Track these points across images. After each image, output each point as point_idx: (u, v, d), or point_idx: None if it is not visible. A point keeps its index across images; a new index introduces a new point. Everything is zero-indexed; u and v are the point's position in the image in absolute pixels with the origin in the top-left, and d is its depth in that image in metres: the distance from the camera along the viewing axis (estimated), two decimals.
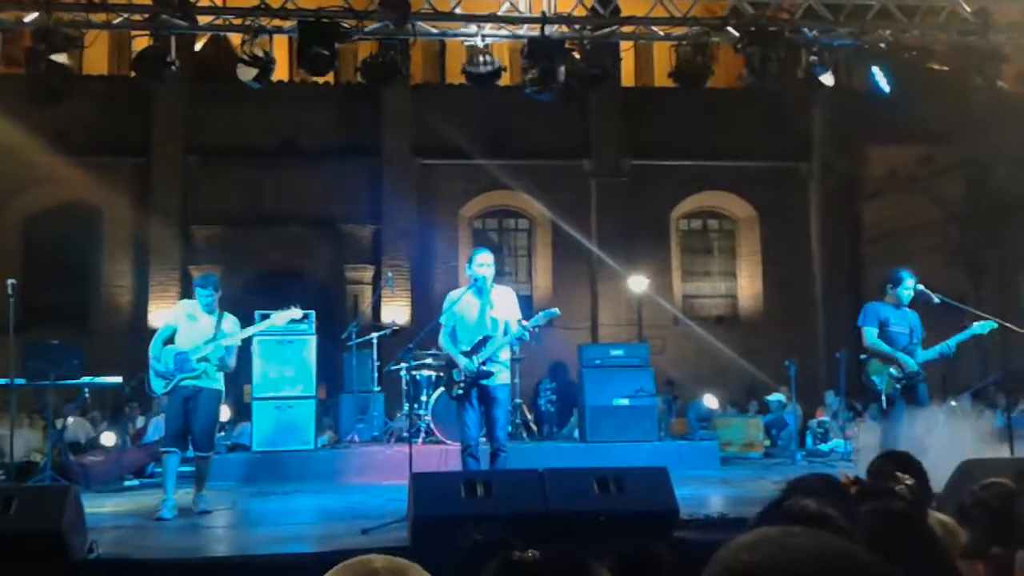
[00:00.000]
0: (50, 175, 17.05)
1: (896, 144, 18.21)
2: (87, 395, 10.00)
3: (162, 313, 12.26)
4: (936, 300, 7.70)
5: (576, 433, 11.66)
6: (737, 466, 11.17)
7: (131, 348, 12.38)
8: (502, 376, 6.99)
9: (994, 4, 9.94)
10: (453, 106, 17.32)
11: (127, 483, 9.65)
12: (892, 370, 7.60)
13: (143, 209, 17.57)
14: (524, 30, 9.66)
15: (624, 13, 10.06)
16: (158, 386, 7.58)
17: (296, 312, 7.95)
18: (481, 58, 9.54)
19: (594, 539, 5.02)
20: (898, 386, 7.56)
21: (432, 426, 10.52)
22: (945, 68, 9.97)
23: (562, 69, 9.35)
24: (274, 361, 10.42)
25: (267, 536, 6.65)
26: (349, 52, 13.97)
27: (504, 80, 10.10)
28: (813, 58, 9.82)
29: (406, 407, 10.80)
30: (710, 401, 14.81)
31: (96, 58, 17.27)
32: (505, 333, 6.97)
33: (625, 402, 10.69)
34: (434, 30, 10.03)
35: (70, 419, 10.52)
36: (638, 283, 17.23)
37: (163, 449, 7.66)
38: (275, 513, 7.86)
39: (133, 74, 9.69)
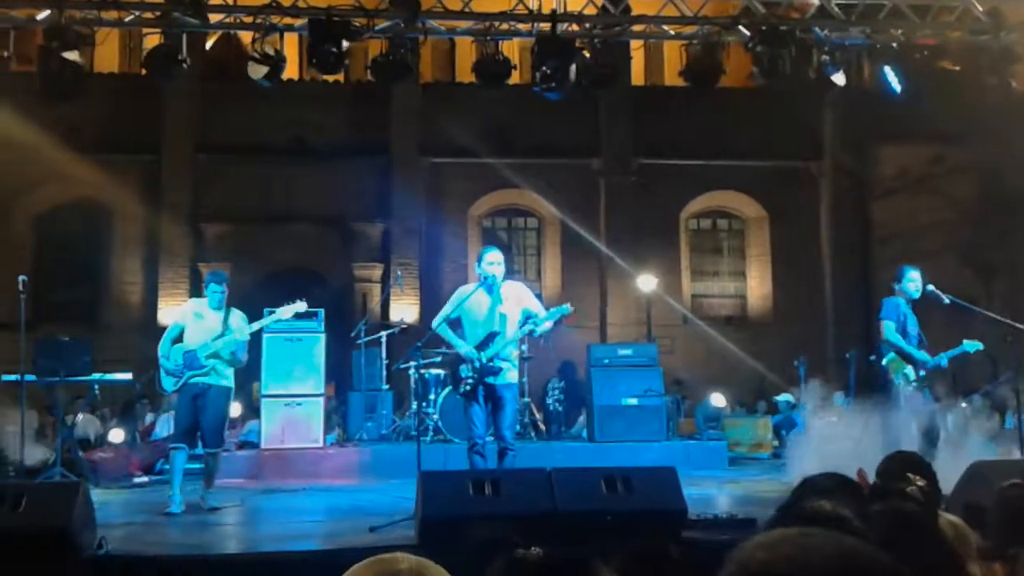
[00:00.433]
0: (61, 172, 17.10)
1: (907, 144, 18.14)
2: (97, 392, 10.03)
3: (172, 310, 12.28)
4: (946, 301, 7.67)
5: (584, 432, 11.65)
6: (746, 466, 11.14)
7: (141, 345, 12.41)
8: (510, 374, 6.98)
9: (1007, 4, 9.89)
10: (463, 105, 17.31)
11: (136, 480, 9.68)
12: (907, 371, 7.55)
13: (153, 206, 17.62)
14: (534, 28, 9.65)
15: (635, 12, 10.05)
16: (168, 384, 7.63)
17: (301, 305, 7.97)
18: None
19: (602, 539, 5.02)
20: (910, 388, 7.53)
21: (440, 425, 10.53)
22: (957, 68, 9.93)
23: (572, 68, 9.35)
24: (283, 359, 10.44)
25: (275, 533, 6.66)
26: (359, 50, 13.97)
27: (514, 78, 10.10)
28: (824, 57, 9.80)
29: (414, 405, 10.81)
30: (717, 400, 14.77)
31: (107, 56, 17.33)
32: (523, 324, 6.94)
33: (634, 402, 10.68)
34: (444, 28, 10.04)
35: (80, 416, 10.55)
36: (647, 282, 17.20)
37: (171, 445, 7.70)
38: (283, 510, 7.87)
39: (144, 72, 9.70)
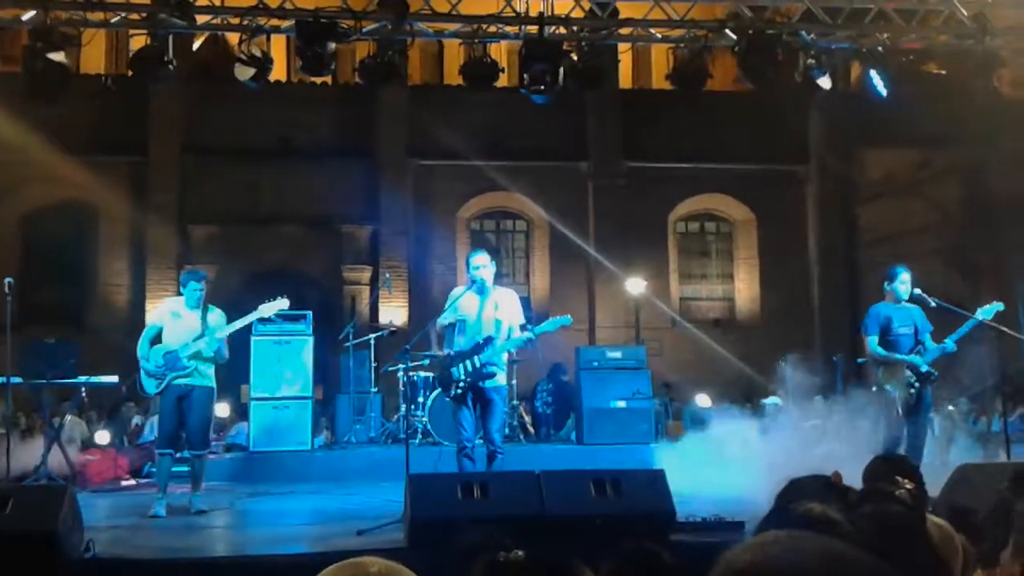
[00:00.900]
0: (47, 174, 17.02)
1: (893, 147, 18.25)
2: (84, 394, 9.97)
3: None
4: (933, 304, 7.67)
5: (573, 435, 11.66)
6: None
7: (128, 347, 12.28)
8: (499, 377, 6.98)
9: (991, 8, 9.96)
10: (451, 107, 17.31)
11: (124, 483, 9.63)
12: (905, 375, 7.53)
13: (140, 208, 17.55)
14: (522, 31, 9.67)
15: (622, 15, 10.07)
16: (150, 386, 7.53)
17: (283, 303, 7.93)
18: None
19: (591, 542, 5.02)
20: (913, 391, 7.51)
21: (429, 427, 10.52)
22: (942, 72, 10.00)
23: (560, 70, 9.36)
24: (271, 361, 10.41)
25: (263, 536, 6.64)
26: (347, 52, 13.96)
27: (502, 81, 10.11)
28: (811, 61, 9.84)
29: (403, 408, 10.80)
30: (702, 401, 14.81)
31: (93, 56, 17.26)
32: (508, 336, 6.96)
33: (622, 404, 10.70)
34: (432, 31, 10.04)
35: (67, 418, 10.50)
36: (635, 285, 17.24)
37: (158, 452, 7.62)
38: (271, 513, 7.85)
39: (130, 73, 9.66)
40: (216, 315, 7.64)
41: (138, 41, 9.49)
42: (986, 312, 7.58)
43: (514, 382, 10.75)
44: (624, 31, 10.09)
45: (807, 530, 1.25)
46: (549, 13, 9.70)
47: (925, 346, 7.62)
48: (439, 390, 9.84)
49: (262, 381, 10.37)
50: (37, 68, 8.86)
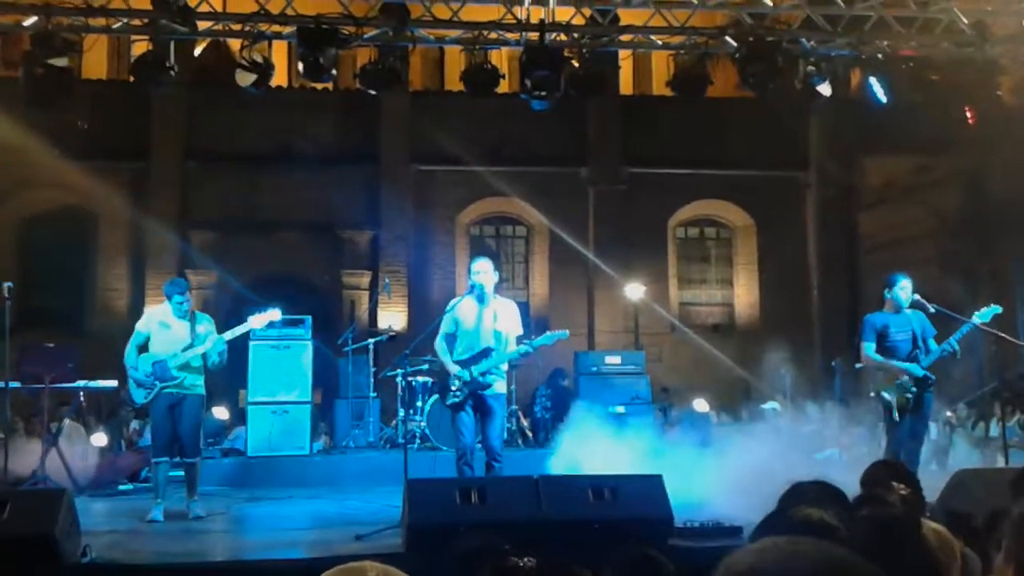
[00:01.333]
0: (47, 178, 17.03)
1: (893, 154, 18.25)
2: (82, 398, 9.97)
3: None
4: (932, 310, 7.67)
5: None
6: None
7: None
8: (498, 385, 6.99)
9: (991, 16, 9.99)
10: (451, 113, 17.34)
11: (121, 487, 9.62)
12: (901, 381, 7.53)
13: (140, 213, 17.54)
14: (523, 38, 9.68)
15: (623, 22, 10.09)
16: (139, 396, 7.50)
17: (275, 314, 7.89)
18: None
19: (589, 547, 5.02)
20: (910, 396, 7.51)
21: (428, 432, 10.52)
22: (942, 79, 10.01)
23: (560, 77, 9.38)
24: (270, 366, 10.41)
25: (261, 541, 6.64)
26: (348, 58, 14.00)
27: (502, 87, 10.13)
28: (811, 68, 9.86)
29: (402, 413, 10.80)
30: (701, 406, 14.81)
31: (95, 62, 17.28)
32: (506, 348, 6.97)
33: (621, 410, 10.69)
34: (433, 37, 10.06)
35: (65, 422, 10.49)
36: (635, 290, 17.24)
37: (154, 460, 7.56)
38: (269, 518, 7.85)
39: (132, 78, 9.68)
40: (205, 324, 7.60)
41: (140, 47, 9.52)
42: (983, 315, 7.58)
43: (513, 387, 10.75)
44: (625, 38, 10.11)
45: (804, 534, 1.25)
46: (550, 20, 9.71)
47: (928, 348, 7.61)
48: (437, 395, 9.86)
49: (260, 386, 10.37)
50: (37, 73, 8.88)
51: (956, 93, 10.05)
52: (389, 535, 6.02)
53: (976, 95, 9.99)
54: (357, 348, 12.04)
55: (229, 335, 7.59)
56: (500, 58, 15.49)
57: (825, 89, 9.87)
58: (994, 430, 12.00)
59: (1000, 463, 9.24)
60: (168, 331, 7.48)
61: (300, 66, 9.25)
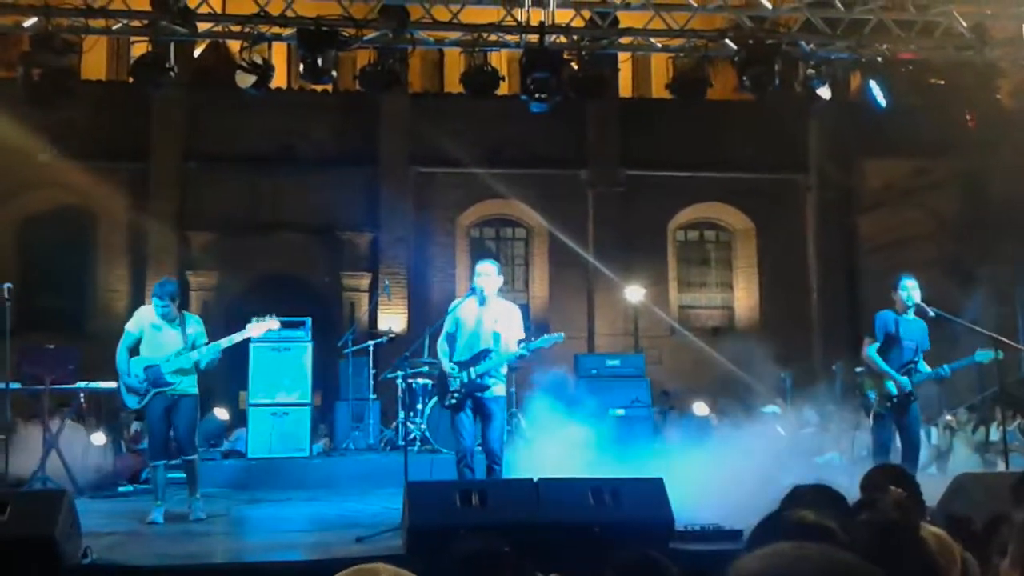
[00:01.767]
0: (47, 179, 17.04)
1: (892, 157, 18.27)
2: (82, 400, 9.97)
3: None
4: (932, 314, 7.68)
5: None
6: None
7: None
8: (497, 388, 6.99)
9: (990, 20, 10.00)
10: (451, 115, 17.35)
11: (121, 488, 9.62)
12: (887, 386, 7.55)
13: (140, 214, 17.55)
14: (522, 40, 9.69)
15: (622, 25, 10.10)
16: (131, 401, 7.45)
17: (274, 323, 7.85)
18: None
19: (589, 550, 5.02)
20: (888, 404, 7.54)
21: (428, 434, 10.51)
22: (941, 82, 10.03)
23: (560, 79, 9.39)
24: (270, 368, 10.41)
25: (261, 543, 6.64)
26: (348, 60, 14.00)
27: (502, 89, 10.14)
28: (810, 71, 9.87)
29: (402, 415, 10.79)
30: (701, 408, 14.81)
31: (95, 63, 17.28)
32: (505, 350, 6.97)
33: (621, 412, 10.69)
34: (432, 39, 10.07)
35: (65, 423, 10.48)
36: (635, 293, 17.25)
37: (152, 463, 7.52)
38: (269, 520, 7.85)
39: (131, 79, 9.69)
40: (194, 325, 7.56)
41: (139, 48, 9.50)
42: (984, 355, 7.59)
43: (513, 390, 10.75)
44: (624, 40, 10.12)
45: (800, 537, 1.26)
46: (550, 22, 9.72)
47: (918, 368, 7.63)
48: (437, 397, 9.86)
49: (261, 387, 10.37)
50: (37, 74, 8.88)
51: (955, 96, 10.06)
52: (389, 537, 6.02)
53: (975, 98, 10.00)
54: (357, 350, 12.03)
55: (226, 342, 7.52)
56: (500, 60, 15.49)
57: (825, 92, 9.88)
58: (994, 434, 12.00)
59: (1000, 467, 9.24)
60: (159, 333, 7.42)
61: (300, 68, 9.26)
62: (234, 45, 10.31)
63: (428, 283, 18.14)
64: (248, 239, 17.58)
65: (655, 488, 5.89)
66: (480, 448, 7.04)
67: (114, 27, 9.37)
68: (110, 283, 17.90)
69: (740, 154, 18.32)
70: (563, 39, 9.79)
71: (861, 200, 19.20)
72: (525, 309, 17.71)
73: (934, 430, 12.79)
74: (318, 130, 18.17)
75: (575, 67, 9.71)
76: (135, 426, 12.57)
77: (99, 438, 10.73)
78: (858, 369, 7.95)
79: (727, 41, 9.79)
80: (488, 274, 7.04)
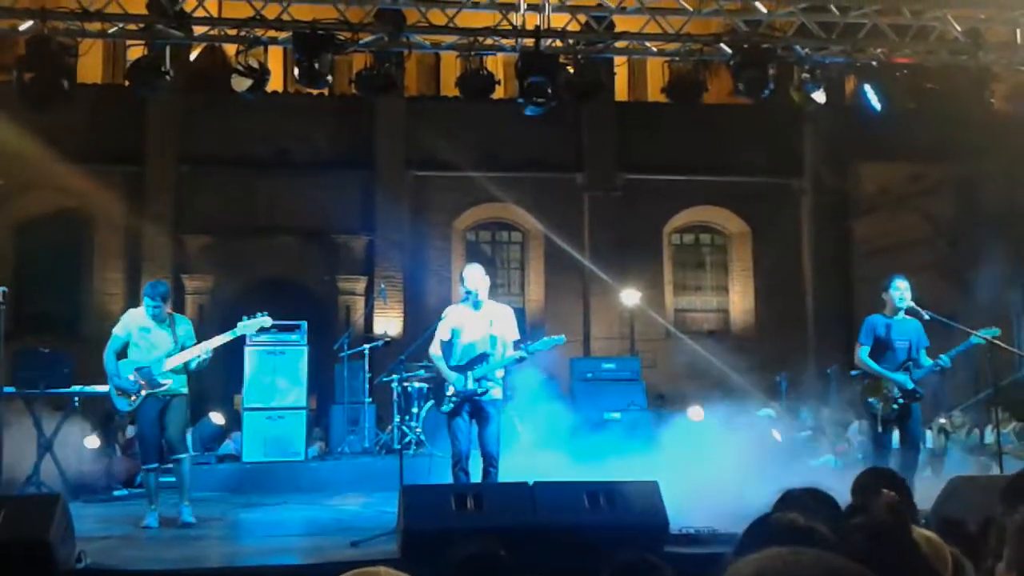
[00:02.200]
0: (42, 182, 17.01)
1: (887, 161, 18.31)
2: (77, 404, 9.95)
3: None
4: (927, 317, 7.69)
5: None
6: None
7: None
8: (495, 392, 7.00)
9: (985, 24, 10.03)
10: (447, 118, 17.35)
11: (116, 492, 9.61)
12: (888, 390, 7.54)
13: (136, 217, 17.53)
14: (518, 44, 9.70)
15: (618, 29, 10.11)
16: (122, 404, 7.42)
17: (266, 321, 7.83)
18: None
19: (584, 553, 5.02)
20: (895, 407, 7.51)
21: (423, 438, 10.51)
22: (936, 87, 10.05)
23: (556, 83, 9.39)
24: (266, 371, 10.40)
25: (256, 548, 6.64)
26: (344, 64, 13.99)
27: (498, 93, 10.14)
28: (805, 75, 9.89)
29: (397, 419, 10.79)
30: (696, 412, 14.81)
31: (91, 66, 17.26)
32: (503, 353, 6.98)
33: (616, 416, 10.70)
34: (428, 43, 10.07)
35: (60, 427, 10.47)
36: (630, 296, 17.26)
37: (146, 468, 7.46)
38: (264, 524, 7.84)
39: (127, 83, 9.68)
40: (184, 327, 7.56)
41: (135, 51, 9.48)
42: (982, 336, 7.58)
43: (509, 392, 10.74)
44: (620, 44, 10.13)
45: (789, 540, 1.27)
46: (545, 26, 9.73)
47: (919, 362, 7.62)
48: (433, 400, 9.86)
49: (256, 391, 10.37)
50: (32, 78, 8.87)
51: (950, 101, 10.08)
52: (384, 541, 6.02)
53: (970, 102, 10.03)
54: (353, 353, 12.03)
55: (218, 341, 7.53)
56: (496, 64, 15.49)
57: (820, 96, 9.90)
58: (988, 437, 12.02)
59: (995, 470, 9.25)
60: (149, 335, 7.42)
61: (296, 72, 9.25)
62: (230, 49, 10.31)
63: (424, 287, 18.14)
64: (244, 243, 17.58)
65: (650, 491, 5.89)
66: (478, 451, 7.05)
67: (110, 31, 9.36)
68: (105, 286, 17.86)
69: (736, 158, 18.35)
70: (559, 43, 9.80)
71: (856, 204, 19.24)
72: (521, 313, 17.80)
73: (929, 433, 12.81)
74: (314, 134, 18.16)
75: (571, 71, 9.72)
76: (130, 430, 12.55)
77: (93, 442, 10.71)
78: (853, 373, 7.95)
79: (722, 45, 9.81)
80: (480, 279, 7.05)
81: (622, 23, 10.23)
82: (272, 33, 9.43)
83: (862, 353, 7.66)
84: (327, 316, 16.98)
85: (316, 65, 8.99)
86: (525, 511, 5.68)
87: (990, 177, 17.52)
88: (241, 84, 9.19)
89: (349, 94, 16.20)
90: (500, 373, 7.10)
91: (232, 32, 9.49)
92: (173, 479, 7.67)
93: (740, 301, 19.80)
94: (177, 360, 7.33)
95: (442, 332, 7.08)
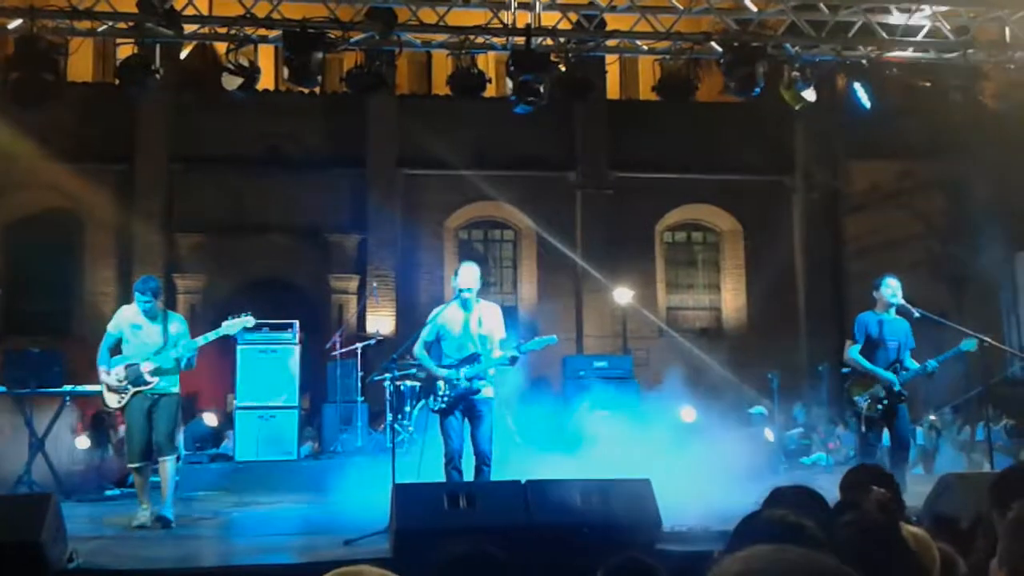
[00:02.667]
0: (33, 181, 16.95)
1: (878, 159, 18.37)
2: (68, 403, 9.93)
3: None
4: (916, 315, 7.71)
5: None
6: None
7: None
8: (487, 390, 7.00)
9: (974, 23, 10.07)
10: (438, 117, 17.35)
11: (108, 492, 9.58)
12: (875, 389, 7.55)
13: (127, 216, 17.47)
14: (509, 43, 9.70)
15: (609, 27, 10.12)
16: (111, 401, 7.41)
17: (249, 320, 7.79)
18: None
19: (577, 551, 5.03)
20: (880, 407, 7.52)
21: (415, 437, 10.50)
22: (926, 85, 10.09)
23: (547, 81, 9.40)
24: (258, 371, 10.39)
25: (248, 546, 6.63)
26: (334, 62, 13.97)
27: (489, 91, 10.14)
28: (796, 74, 9.92)
29: (389, 417, 10.78)
30: (687, 412, 14.83)
31: (80, 65, 17.19)
32: (504, 349, 6.98)
33: (609, 414, 10.71)
34: (419, 42, 10.07)
35: (52, 427, 10.45)
36: (623, 295, 17.28)
37: (134, 466, 7.42)
38: (257, 523, 7.83)
39: (117, 81, 9.65)
40: (176, 324, 7.54)
41: (125, 50, 9.45)
42: (968, 344, 7.60)
43: (501, 391, 10.74)
44: (611, 43, 10.14)
45: (778, 536, 1.27)
46: (536, 25, 9.74)
47: (904, 365, 7.63)
48: (424, 400, 9.86)
49: (248, 390, 10.36)
50: (22, 76, 8.84)
51: (940, 99, 10.12)
52: (377, 540, 6.02)
53: (960, 100, 10.06)
54: (345, 352, 12.02)
55: (201, 340, 7.49)
56: (487, 62, 15.50)
57: (810, 95, 9.93)
58: (980, 434, 12.08)
59: (986, 467, 9.30)
60: (140, 332, 7.41)
61: (286, 70, 9.24)
62: (220, 47, 10.27)
63: (416, 285, 18.13)
64: (235, 241, 17.54)
65: (642, 489, 5.91)
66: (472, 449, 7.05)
67: (99, 29, 9.33)
68: (97, 286, 17.81)
69: (727, 156, 18.38)
70: (550, 41, 9.80)
71: (847, 202, 19.29)
72: (514, 311, 17.81)
73: (920, 430, 12.86)
74: (305, 132, 18.13)
75: (562, 69, 9.72)
76: (122, 430, 12.54)
77: (85, 442, 10.70)
78: (844, 370, 7.97)
79: (713, 44, 9.83)
80: (473, 277, 7.05)
81: (613, 21, 10.24)
82: (262, 31, 9.41)
83: (853, 351, 7.68)
84: (319, 315, 16.96)
85: (307, 64, 8.98)
86: (518, 509, 5.68)
87: (980, 174, 17.58)
88: (232, 83, 9.18)
89: (340, 92, 16.21)
90: (491, 371, 7.10)
91: (222, 30, 9.47)
92: (157, 479, 7.63)
93: (732, 299, 19.84)
94: (163, 358, 7.29)
95: (427, 333, 7.08)
